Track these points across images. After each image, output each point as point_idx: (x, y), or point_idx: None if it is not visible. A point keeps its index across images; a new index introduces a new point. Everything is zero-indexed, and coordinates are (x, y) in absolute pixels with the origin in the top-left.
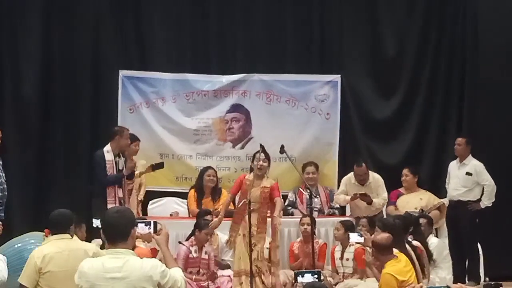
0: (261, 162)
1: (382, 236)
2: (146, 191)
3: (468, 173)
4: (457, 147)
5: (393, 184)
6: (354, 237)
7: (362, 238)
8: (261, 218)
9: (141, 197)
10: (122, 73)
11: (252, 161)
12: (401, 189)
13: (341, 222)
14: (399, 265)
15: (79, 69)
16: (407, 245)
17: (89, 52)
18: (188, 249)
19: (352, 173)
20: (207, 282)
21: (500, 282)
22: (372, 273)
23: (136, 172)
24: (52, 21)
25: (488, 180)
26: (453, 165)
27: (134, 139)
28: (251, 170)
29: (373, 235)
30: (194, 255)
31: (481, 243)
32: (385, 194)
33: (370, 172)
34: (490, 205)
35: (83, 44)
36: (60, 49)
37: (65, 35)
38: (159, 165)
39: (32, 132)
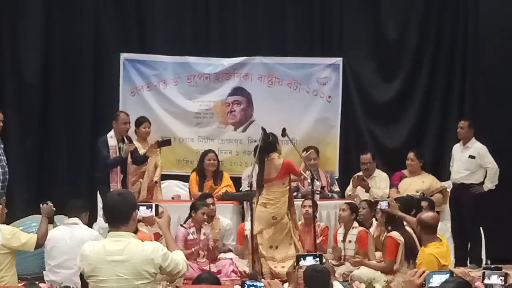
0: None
1: (428, 214)
2: None
3: (471, 156)
4: (460, 130)
5: (394, 167)
6: (384, 205)
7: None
8: None
9: (156, 178)
10: (124, 56)
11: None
12: (405, 171)
13: (347, 203)
14: (442, 248)
15: (80, 52)
16: (409, 228)
17: (90, 35)
18: (187, 231)
19: (361, 172)
20: (208, 265)
21: (500, 265)
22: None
23: (141, 151)
24: (53, 5)
25: (491, 163)
26: (456, 148)
27: (143, 120)
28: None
29: (398, 204)
30: (193, 236)
31: (482, 226)
32: (387, 190)
33: (378, 170)
34: (493, 188)
35: (84, 27)
36: (61, 33)
37: (66, 18)
38: (166, 142)
39: (34, 116)
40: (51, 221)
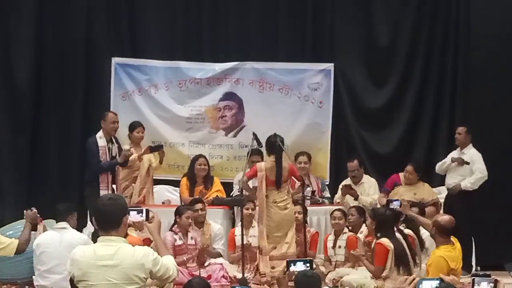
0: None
1: (444, 217)
2: None
3: (465, 162)
4: (458, 136)
5: (385, 173)
6: (396, 204)
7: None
8: None
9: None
10: (115, 60)
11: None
12: (401, 176)
13: (341, 211)
14: (454, 252)
15: (72, 56)
16: (398, 234)
17: (82, 39)
18: (173, 236)
19: (348, 178)
20: (198, 271)
21: (489, 272)
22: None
23: (134, 155)
24: (45, 8)
25: (481, 169)
26: (453, 154)
27: (137, 125)
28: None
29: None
30: (179, 242)
31: (473, 233)
32: (376, 196)
33: (366, 176)
34: (470, 189)
35: (76, 31)
36: (52, 36)
37: (58, 22)
38: (157, 147)
39: (25, 120)
40: (35, 227)
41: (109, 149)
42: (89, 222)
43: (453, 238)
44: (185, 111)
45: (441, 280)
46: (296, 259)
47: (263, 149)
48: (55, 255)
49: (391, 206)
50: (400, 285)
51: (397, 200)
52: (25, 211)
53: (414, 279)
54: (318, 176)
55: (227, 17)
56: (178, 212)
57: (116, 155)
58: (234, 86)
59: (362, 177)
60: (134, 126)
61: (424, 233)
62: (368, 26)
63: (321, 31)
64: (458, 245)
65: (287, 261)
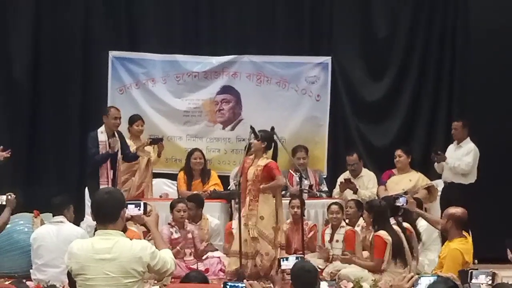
0: (253, 141)
1: (458, 210)
2: None
3: (442, 159)
4: (454, 131)
5: (382, 166)
6: (402, 201)
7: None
8: (252, 196)
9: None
10: (112, 54)
11: (247, 150)
12: (394, 170)
13: (338, 205)
14: (467, 245)
15: (69, 50)
16: (397, 227)
17: (79, 33)
18: (169, 230)
19: (347, 171)
20: (196, 264)
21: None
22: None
23: (133, 148)
24: (42, 1)
25: (469, 163)
26: (450, 148)
27: (136, 119)
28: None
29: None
30: (176, 235)
31: (471, 226)
32: (375, 189)
33: (365, 169)
34: (451, 167)
35: (74, 25)
36: (50, 30)
37: (56, 16)
38: (157, 140)
39: (22, 113)
40: (13, 212)
41: (109, 144)
42: (86, 216)
43: (465, 233)
44: (183, 104)
45: (439, 275)
46: (288, 255)
47: None
48: (52, 248)
49: (397, 203)
50: (399, 282)
51: (403, 196)
52: (4, 196)
53: (412, 276)
54: (316, 169)
55: (225, 10)
56: (171, 207)
57: (118, 150)
58: (231, 80)
59: (361, 171)
60: (133, 120)
61: (421, 226)
62: (366, 19)
63: (319, 24)
64: (470, 238)
65: (278, 258)
